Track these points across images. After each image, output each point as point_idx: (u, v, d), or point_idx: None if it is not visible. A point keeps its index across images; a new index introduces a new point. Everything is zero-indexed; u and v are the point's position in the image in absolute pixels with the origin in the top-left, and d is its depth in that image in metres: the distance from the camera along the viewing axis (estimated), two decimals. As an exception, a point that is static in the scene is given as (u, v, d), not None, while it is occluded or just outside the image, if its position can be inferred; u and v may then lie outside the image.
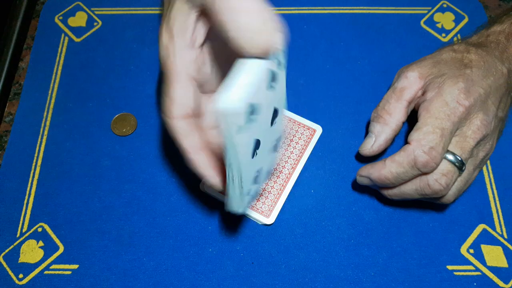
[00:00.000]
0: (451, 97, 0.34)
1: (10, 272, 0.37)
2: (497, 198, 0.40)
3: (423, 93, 0.36)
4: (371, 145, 0.37)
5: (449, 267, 0.38)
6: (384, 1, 0.50)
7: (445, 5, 0.50)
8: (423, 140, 0.33)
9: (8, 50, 0.48)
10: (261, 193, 0.39)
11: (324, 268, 0.38)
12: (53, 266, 0.38)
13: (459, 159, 0.34)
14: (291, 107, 0.44)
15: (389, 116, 0.37)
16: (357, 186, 0.41)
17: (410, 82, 0.37)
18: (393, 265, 0.38)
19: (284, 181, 0.40)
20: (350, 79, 0.46)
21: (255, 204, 0.39)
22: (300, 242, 0.39)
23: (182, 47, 0.28)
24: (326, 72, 0.46)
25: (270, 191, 0.39)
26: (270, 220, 0.39)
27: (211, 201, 0.40)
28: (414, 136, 0.34)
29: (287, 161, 0.41)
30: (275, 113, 0.27)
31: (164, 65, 0.28)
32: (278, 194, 0.39)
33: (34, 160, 0.42)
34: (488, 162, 0.42)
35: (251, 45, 0.23)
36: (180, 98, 0.28)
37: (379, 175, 0.35)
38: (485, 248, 0.38)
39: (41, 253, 0.38)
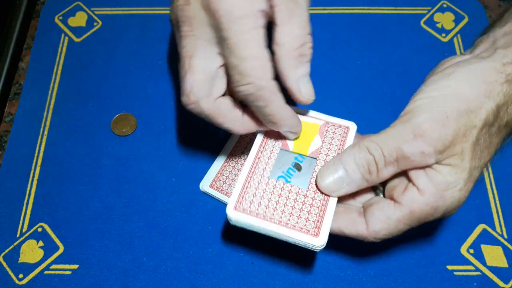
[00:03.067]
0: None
1: (10, 272, 0.37)
2: (497, 198, 0.40)
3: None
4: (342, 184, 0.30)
5: (449, 267, 0.38)
6: (384, 1, 0.50)
7: (445, 5, 0.50)
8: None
9: (8, 50, 0.48)
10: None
11: (324, 268, 0.38)
12: (53, 266, 0.38)
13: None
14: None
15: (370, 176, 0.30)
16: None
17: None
18: (393, 265, 0.38)
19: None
20: (350, 79, 0.46)
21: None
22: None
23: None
24: (326, 72, 0.46)
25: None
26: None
27: (211, 201, 0.40)
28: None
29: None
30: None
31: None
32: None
33: (34, 160, 0.42)
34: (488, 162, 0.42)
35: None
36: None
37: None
38: (485, 248, 0.38)
39: (41, 253, 0.38)
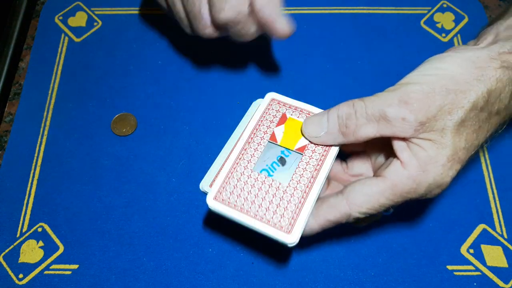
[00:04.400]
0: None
1: (10, 272, 0.37)
2: (497, 198, 0.40)
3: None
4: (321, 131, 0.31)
5: (449, 267, 0.38)
6: (384, 1, 0.50)
7: (445, 5, 0.50)
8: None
9: (8, 50, 0.48)
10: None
11: (324, 268, 0.38)
12: (53, 266, 0.38)
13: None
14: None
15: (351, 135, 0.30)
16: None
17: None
18: (393, 265, 0.38)
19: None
20: (350, 79, 0.46)
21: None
22: (300, 242, 0.39)
23: None
24: (326, 72, 0.46)
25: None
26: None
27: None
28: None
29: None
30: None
31: None
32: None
33: (34, 160, 0.42)
34: (488, 162, 0.42)
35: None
36: None
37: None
38: (485, 248, 0.38)
39: (41, 253, 0.38)
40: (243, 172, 0.31)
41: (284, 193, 0.30)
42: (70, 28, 0.49)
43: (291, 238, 0.28)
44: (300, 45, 0.48)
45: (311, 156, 0.32)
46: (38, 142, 0.43)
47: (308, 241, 0.39)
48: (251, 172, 0.31)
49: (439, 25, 0.49)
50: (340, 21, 0.49)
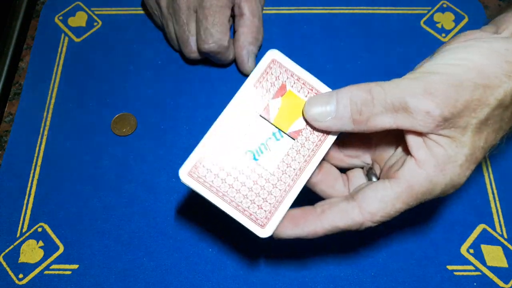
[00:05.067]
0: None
1: (10, 272, 0.37)
2: (497, 198, 0.40)
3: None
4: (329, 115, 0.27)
5: (449, 267, 0.38)
6: (384, 1, 0.50)
7: (445, 5, 0.50)
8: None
9: (8, 50, 0.48)
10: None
11: (324, 268, 0.38)
12: (53, 266, 0.38)
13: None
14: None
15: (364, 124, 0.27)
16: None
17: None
18: (393, 265, 0.38)
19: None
20: (350, 79, 0.46)
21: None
22: (300, 241, 0.39)
23: None
24: (326, 72, 0.46)
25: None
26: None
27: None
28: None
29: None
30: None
31: None
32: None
33: (34, 160, 0.42)
34: (488, 162, 0.42)
35: None
36: None
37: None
38: (485, 248, 0.38)
39: (41, 253, 0.38)
40: (226, 148, 0.28)
41: (266, 182, 0.28)
42: (70, 28, 0.49)
43: (264, 233, 0.27)
44: (300, 45, 0.48)
45: (303, 144, 0.28)
46: (38, 142, 0.43)
47: (308, 241, 0.39)
48: (235, 150, 0.28)
49: (439, 25, 0.49)
50: (340, 21, 0.49)
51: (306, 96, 0.29)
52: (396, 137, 0.28)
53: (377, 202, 0.27)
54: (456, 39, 0.28)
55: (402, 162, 0.27)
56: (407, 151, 0.27)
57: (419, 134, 0.26)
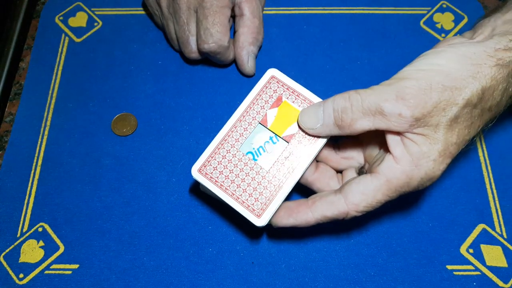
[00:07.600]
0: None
1: (10, 272, 0.37)
2: (496, 198, 0.40)
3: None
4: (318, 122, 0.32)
5: (449, 267, 0.38)
6: (384, 1, 0.50)
7: (444, 5, 0.50)
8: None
9: (9, 50, 0.48)
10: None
11: (324, 268, 0.38)
12: (53, 266, 0.38)
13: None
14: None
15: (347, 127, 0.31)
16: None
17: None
18: (393, 265, 0.38)
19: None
20: (350, 79, 0.46)
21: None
22: (300, 241, 0.39)
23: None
24: (326, 72, 0.46)
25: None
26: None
27: (211, 201, 0.40)
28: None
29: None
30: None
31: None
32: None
33: (34, 160, 0.42)
34: (488, 162, 0.42)
35: None
36: None
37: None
38: (484, 248, 0.38)
39: (41, 253, 0.38)
40: (230, 150, 0.33)
41: (263, 179, 0.32)
42: (70, 28, 0.49)
43: (259, 222, 0.31)
44: (300, 45, 0.48)
45: (296, 147, 0.33)
46: (39, 142, 0.43)
47: (308, 241, 0.39)
48: (237, 152, 0.33)
49: (438, 25, 0.49)
50: (340, 21, 0.49)
51: (299, 106, 0.34)
52: (382, 138, 0.31)
53: (360, 194, 0.30)
54: (436, 46, 0.32)
55: (382, 159, 0.30)
56: (387, 149, 0.30)
57: (397, 133, 0.29)
